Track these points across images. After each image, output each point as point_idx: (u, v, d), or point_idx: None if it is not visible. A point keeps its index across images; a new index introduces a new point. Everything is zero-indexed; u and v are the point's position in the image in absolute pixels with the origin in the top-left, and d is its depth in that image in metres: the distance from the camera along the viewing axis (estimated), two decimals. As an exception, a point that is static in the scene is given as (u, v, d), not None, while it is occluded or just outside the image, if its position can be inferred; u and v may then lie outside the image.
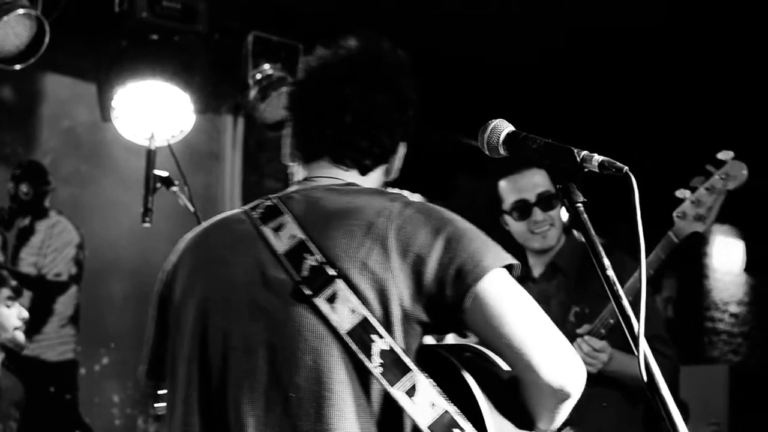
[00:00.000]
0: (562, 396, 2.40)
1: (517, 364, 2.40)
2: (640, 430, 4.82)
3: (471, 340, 2.58)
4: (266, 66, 7.13)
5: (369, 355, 2.34)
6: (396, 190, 2.87)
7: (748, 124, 9.26)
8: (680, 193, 4.18)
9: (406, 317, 2.39)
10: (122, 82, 6.19)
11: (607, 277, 2.06)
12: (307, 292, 2.40)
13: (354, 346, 2.35)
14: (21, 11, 5.76)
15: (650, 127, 9.33)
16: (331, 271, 2.40)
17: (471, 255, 2.39)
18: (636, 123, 9.21)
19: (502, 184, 4.84)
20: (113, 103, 6.21)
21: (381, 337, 2.35)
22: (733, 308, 14.20)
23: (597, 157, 2.12)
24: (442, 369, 2.44)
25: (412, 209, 2.49)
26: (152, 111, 6.04)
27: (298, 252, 2.46)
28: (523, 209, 4.71)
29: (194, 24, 6.45)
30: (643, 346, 1.96)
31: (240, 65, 7.18)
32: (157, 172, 5.21)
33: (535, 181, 4.70)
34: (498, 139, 2.35)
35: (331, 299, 2.38)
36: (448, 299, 2.37)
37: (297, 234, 2.49)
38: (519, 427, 2.48)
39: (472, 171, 9.28)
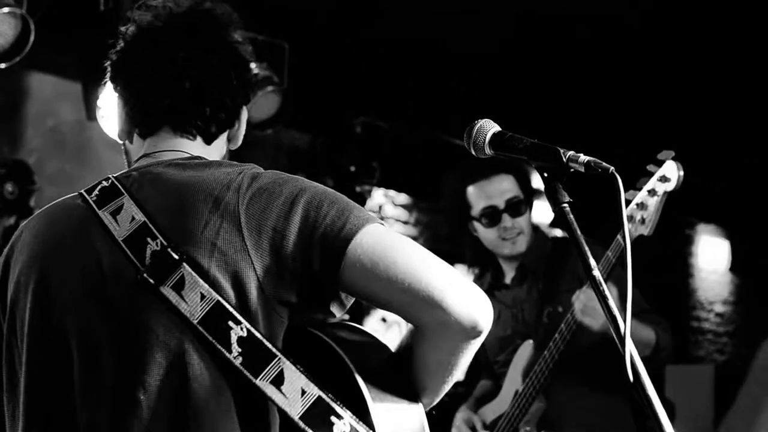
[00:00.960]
0: (473, 331, 2.20)
1: (416, 308, 2.19)
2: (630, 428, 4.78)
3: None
4: (252, 65, 7.11)
5: (227, 345, 2.14)
6: (249, 164, 2.44)
7: (730, 121, 9.28)
8: (630, 194, 4.13)
9: (267, 300, 2.20)
10: (107, 81, 6.18)
11: (593, 278, 2.05)
12: (152, 281, 2.19)
13: (209, 336, 2.15)
14: (6, 10, 5.75)
15: (616, 118, 9.35)
16: (175, 255, 2.19)
17: (336, 218, 2.20)
18: (608, 112, 9.24)
19: (470, 189, 4.77)
20: (98, 102, 6.19)
21: (238, 323, 2.15)
22: (719, 308, 14.27)
23: (583, 157, 2.11)
24: (317, 351, 2.28)
25: (263, 180, 2.28)
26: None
27: (139, 236, 2.25)
28: (492, 216, 4.67)
29: (179, 23, 6.43)
30: (630, 346, 1.95)
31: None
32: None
33: (504, 187, 4.66)
34: (484, 140, 2.33)
35: (179, 286, 2.18)
36: (317, 271, 2.19)
37: (137, 216, 2.28)
38: (409, 400, 2.32)
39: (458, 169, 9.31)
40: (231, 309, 2.16)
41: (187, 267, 2.18)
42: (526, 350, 4.57)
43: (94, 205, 2.34)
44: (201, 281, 2.17)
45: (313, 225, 2.20)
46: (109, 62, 2.59)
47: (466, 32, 7.66)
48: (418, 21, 7.41)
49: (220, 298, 2.16)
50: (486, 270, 5.01)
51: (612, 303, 2.02)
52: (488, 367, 5.01)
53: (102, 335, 2.23)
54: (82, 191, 2.41)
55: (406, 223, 10.48)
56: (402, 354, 2.37)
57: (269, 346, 2.15)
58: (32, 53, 5.99)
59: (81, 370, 2.24)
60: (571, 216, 2.13)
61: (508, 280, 4.87)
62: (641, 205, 4.08)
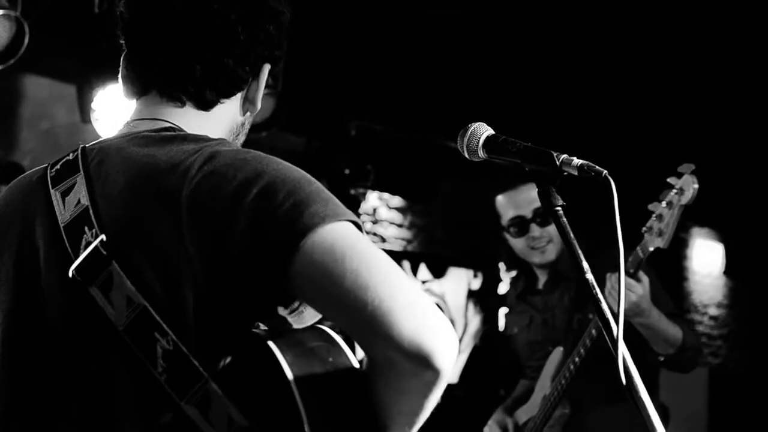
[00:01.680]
0: (425, 370, 1.76)
1: (365, 338, 1.79)
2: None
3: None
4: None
5: (153, 358, 1.84)
6: (216, 140, 2.08)
7: (725, 125, 9.28)
8: (653, 206, 4.15)
9: (204, 304, 1.86)
10: (102, 84, 6.17)
11: (586, 281, 2.05)
12: (79, 278, 1.90)
13: (135, 347, 1.85)
14: (0, 12, 5.74)
15: (615, 120, 9.36)
16: (104, 251, 1.89)
17: (288, 214, 1.84)
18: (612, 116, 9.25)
19: (499, 199, 4.83)
20: (93, 105, 6.19)
21: (164, 334, 1.83)
22: (713, 311, 14.29)
23: (576, 161, 2.12)
24: (265, 370, 1.87)
25: (217, 161, 1.93)
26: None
27: (79, 224, 1.95)
28: (520, 225, 4.71)
29: (174, 25, 6.43)
30: (622, 348, 1.96)
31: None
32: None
33: (532, 197, 4.66)
34: (477, 143, 2.34)
35: (106, 287, 1.87)
36: (263, 275, 1.85)
37: (82, 200, 1.98)
38: None
39: (453, 172, 9.31)
40: (157, 317, 1.85)
41: (115, 265, 1.88)
42: (555, 356, 4.60)
43: (49, 182, 2.08)
44: (128, 283, 1.87)
45: (263, 220, 1.84)
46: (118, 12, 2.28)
47: (462, 35, 7.66)
48: (414, 24, 7.41)
49: (146, 304, 1.85)
50: (521, 275, 5.03)
51: (605, 307, 2.02)
52: (522, 372, 5.06)
53: (27, 331, 1.98)
54: (51, 162, 2.16)
55: (400, 226, 10.49)
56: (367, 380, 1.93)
57: (196, 364, 1.84)
58: (27, 55, 5.98)
59: (11, 370, 2.01)
60: (564, 219, 2.13)
61: (540, 285, 4.90)
62: (659, 217, 4.09)
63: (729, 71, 8.24)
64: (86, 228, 1.94)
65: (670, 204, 4.10)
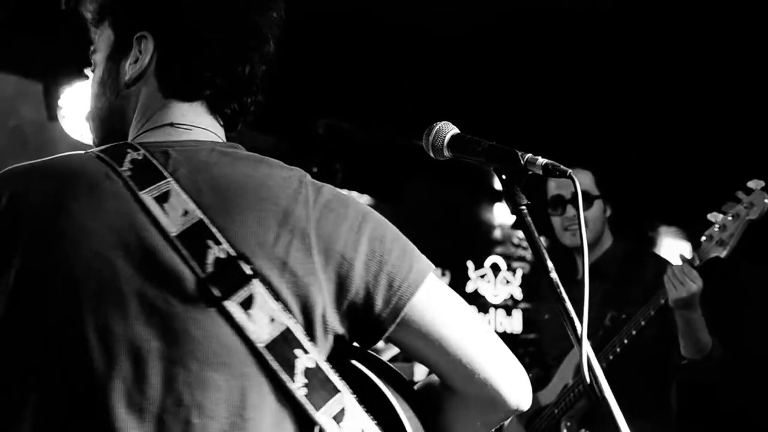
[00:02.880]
0: (515, 412, 2.19)
1: (467, 379, 2.10)
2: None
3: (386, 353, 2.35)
4: None
5: (291, 374, 1.94)
6: (294, 167, 2.24)
7: (694, 125, 9.34)
8: (712, 216, 4.24)
9: (327, 330, 2.02)
10: (69, 81, 6.15)
11: (550, 280, 2.06)
12: (217, 293, 1.92)
13: (274, 363, 1.93)
14: (-34, 9, 5.72)
15: (594, 122, 9.39)
16: (247, 269, 1.94)
17: (400, 260, 2.08)
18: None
19: (550, 180, 4.94)
20: (60, 102, 6.17)
21: (306, 352, 1.95)
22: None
23: (541, 160, 2.13)
24: (363, 388, 2.10)
25: (325, 194, 2.10)
26: (99, 110, 5.99)
27: (196, 236, 1.94)
28: (556, 204, 4.83)
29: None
30: (586, 347, 1.96)
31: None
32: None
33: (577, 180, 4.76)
34: (443, 142, 2.34)
35: (247, 304, 1.92)
36: (377, 313, 2.04)
37: (191, 210, 1.97)
38: None
39: (421, 172, 9.32)
40: (301, 336, 1.96)
41: (258, 284, 1.94)
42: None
43: (130, 182, 1.99)
44: (272, 302, 1.94)
45: (379, 261, 2.06)
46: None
47: (430, 33, 7.67)
48: (381, 23, 7.41)
49: (290, 324, 1.95)
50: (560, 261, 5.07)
51: (569, 305, 2.03)
52: (540, 358, 5.09)
53: (151, 346, 1.90)
54: (105, 156, 2.05)
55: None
56: (427, 398, 2.26)
57: (334, 379, 1.99)
58: (-7, 53, 5.97)
59: (124, 377, 1.90)
60: (529, 218, 2.14)
61: (579, 276, 4.92)
62: (723, 228, 4.18)
63: (704, 77, 8.30)
64: (209, 242, 1.95)
65: (736, 216, 4.19)
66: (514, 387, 2.15)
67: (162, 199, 1.96)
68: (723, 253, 4.21)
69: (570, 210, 4.78)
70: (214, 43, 2.22)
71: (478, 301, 11.70)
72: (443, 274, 11.28)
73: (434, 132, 2.36)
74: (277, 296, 1.95)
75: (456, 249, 11.55)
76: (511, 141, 2.34)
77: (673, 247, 13.61)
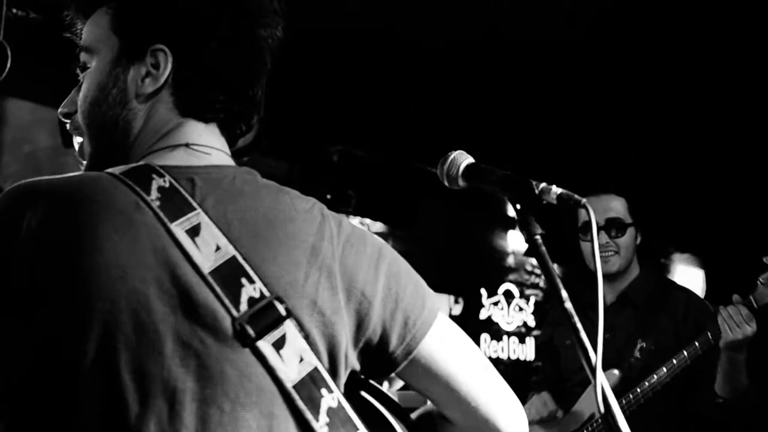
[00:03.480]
0: None
1: (470, 415, 2.17)
2: None
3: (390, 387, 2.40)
4: None
5: (316, 414, 1.92)
6: (308, 197, 2.22)
7: (706, 153, 9.33)
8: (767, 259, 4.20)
9: (346, 365, 2.02)
10: (84, 108, 6.18)
11: (565, 310, 2.05)
12: (251, 333, 1.87)
13: (301, 403, 1.91)
14: (-18, 36, 5.74)
15: (593, 148, 9.39)
16: (282, 310, 1.91)
17: (413, 297, 2.10)
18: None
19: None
20: (75, 129, 6.20)
21: (330, 391, 1.94)
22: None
23: (555, 190, 2.12)
24: (374, 421, 2.11)
25: (345, 228, 2.09)
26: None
27: (230, 274, 1.89)
28: (588, 230, 4.75)
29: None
30: (600, 378, 1.96)
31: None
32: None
33: (609, 206, 4.76)
34: (458, 171, 2.34)
35: (279, 344, 1.90)
36: (390, 350, 2.06)
37: (223, 245, 1.91)
38: None
39: (434, 198, 9.33)
40: (327, 376, 1.95)
41: (291, 324, 1.92)
42: (611, 379, 4.57)
43: (162, 214, 1.89)
44: (303, 342, 1.93)
45: (395, 299, 2.07)
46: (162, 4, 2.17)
47: (443, 61, 7.68)
48: (396, 51, 7.43)
49: (318, 364, 1.94)
50: (587, 288, 5.03)
51: (583, 336, 2.02)
52: (557, 381, 5.06)
53: (186, 386, 1.84)
54: (129, 181, 1.93)
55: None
56: (426, 428, 2.30)
57: (355, 418, 1.98)
58: (9, 79, 5.97)
59: (160, 419, 1.83)
60: (544, 248, 2.13)
61: (607, 302, 4.90)
62: None
63: (707, 104, 8.29)
64: (244, 280, 1.90)
65: None
66: (513, 423, 2.20)
67: (193, 232, 1.89)
68: None
69: (603, 236, 4.73)
70: (233, 65, 2.17)
71: (491, 328, 11.69)
72: (456, 302, 11.26)
73: (449, 161, 2.36)
74: (306, 336, 1.94)
75: (469, 276, 11.54)
76: (526, 167, 2.35)
77: (686, 275, 13.58)
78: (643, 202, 4.67)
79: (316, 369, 1.93)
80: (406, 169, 9.31)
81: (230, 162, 2.18)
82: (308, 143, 8.84)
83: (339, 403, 1.95)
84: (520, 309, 12.04)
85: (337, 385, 1.98)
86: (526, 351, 12.00)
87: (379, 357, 2.07)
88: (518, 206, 2.18)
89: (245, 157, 7.40)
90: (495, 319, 11.72)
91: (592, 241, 2.08)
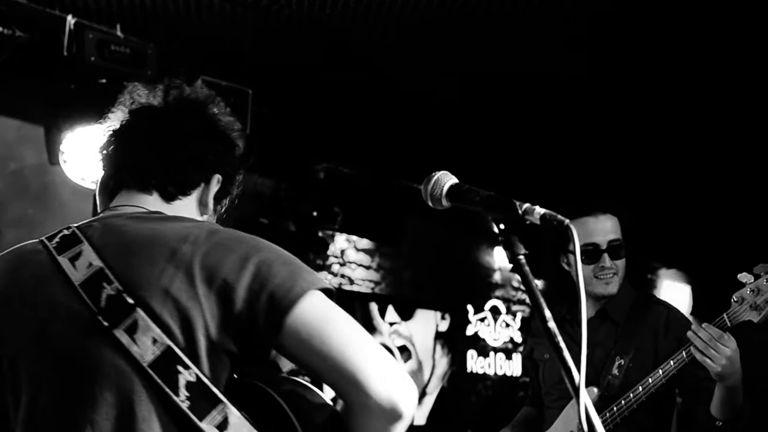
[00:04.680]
0: (393, 416, 2.25)
1: (343, 386, 2.25)
2: None
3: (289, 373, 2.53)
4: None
5: (175, 388, 2.20)
6: (205, 218, 2.74)
7: (691, 170, 9.36)
8: (743, 277, 4.11)
9: (214, 347, 2.25)
10: (70, 126, 6.17)
11: (548, 329, 2.06)
12: (105, 323, 2.24)
13: (158, 379, 2.20)
14: (-32, 54, 5.75)
15: (578, 167, 9.41)
16: (130, 300, 2.25)
17: (283, 281, 2.26)
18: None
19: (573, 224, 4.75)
20: (62, 147, 6.19)
21: (187, 368, 2.21)
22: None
23: (539, 210, 2.14)
24: (259, 401, 2.34)
25: (219, 236, 2.37)
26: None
27: (95, 281, 2.31)
28: (592, 254, 4.65)
29: (143, 68, 6.44)
30: (584, 397, 1.97)
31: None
32: (104, 216, 5.20)
33: (608, 228, 4.66)
34: (441, 192, 2.36)
35: (131, 330, 2.23)
36: (260, 328, 2.24)
37: (94, 262, 2.34)
38: None
39: (421, 215, 9.34)
40: (181, 354, 2.21)
41: (140, 311, 2.24)
42: (589, 396, 4.53)
43: (53, 251, 2.41)
44: (153, 326, 2.22)
45: (262, 283, 2.26)
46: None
47: (429, 80, 7.70)
48: (381, 69, 7.45)
49: (170, 343, 2.21)
50: (563, 303, 4.99)
51: (566, 354, 2.03)
52: (537, 396, 5.04)
53: (47, 376, 2.28)
54: (43, 238, 2.50)
55: (368, 267, 10.50)
56: (343, 416, 2.41)
57: (215, 391, 2.22)
58: (-5, 97, 5.99)
59: (29, 409, 2.29)
60: (527, 268, 2.15)
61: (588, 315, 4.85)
62: (756, 291, 4.05)
63: (693, 121, 8.32)
64: (104, 284, 2.29)
65: None
66: (382, 387, 2.21)
67: (75, 258, 2.37)
68: (757, 318, 4.06)
69: (605, 260, 4.66)
70: (111, 147, 2.70)
71: (478, 344, 11.69)
72: (443, 318, 11.27)
73: (432, 182, 2.38)
74: (159, 321, 2.23)
75: (456, 292, 11.54)
76: (511, 184, 2.36)
77: (673, 290, 13.62)
78: (630, 218, 4.65)
79: (169, 348, 2.21)
80: (393, 187, 9.32)
81: (134, 210, 2.59)
82: (295, 161, 8.85)
83: (198, 378, 2.21)
84: (507, 325, 12.05)
85: (197, 363, 2.23)
86: (513, 367, 12.00)
87: (252, 335, 2.25)
88: (501, 226, 2.20)
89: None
90: (482, 335, 11.73)
91: (575, 261, 2.08)
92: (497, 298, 12.02)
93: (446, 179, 2.37)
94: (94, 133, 6.04)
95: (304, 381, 2.50)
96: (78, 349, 2.26)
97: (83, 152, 6.11)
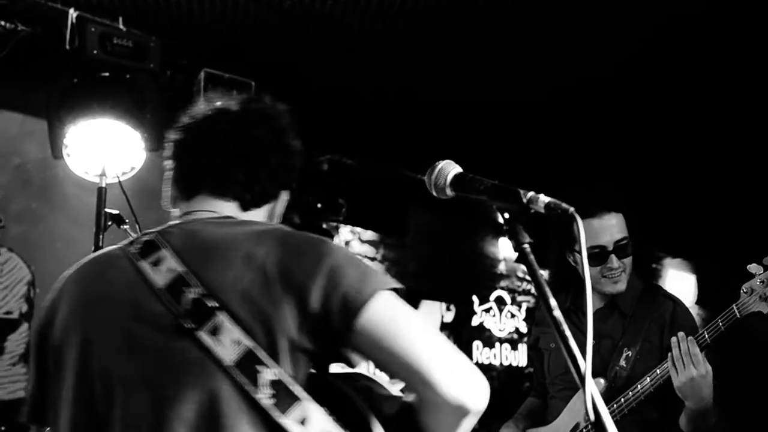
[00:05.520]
0: (462, 412, 2.34)
1: (413, 384, 2.35)
2: None
3: (362, 370, 2.61)
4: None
5: (257, 386, 2.30)
6: (276, 224, 2.85)
7: (697, 159, 9.34)
8: (753, 268, 4.11)
9: (292, 347, 2.35)
10: (73, 120, 6.15)
11: (554, 318, 2.05)
12: (189, 325, 2.37)
13: (241, 378, 2.31)
14: (-29, 48, 5.74)
15: (586, 156, 9.39)
16: (212, 303, 2.37)
17: (354, 282, 2.36)
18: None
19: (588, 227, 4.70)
20: (65, 141, 6.17)
21: (268, 367, 2.31)
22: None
23: (543, 198, 2.13)
24: (335, 398, 2.45)
25: (292, 239, 2.47)
26: (104, 148, 6.00)
27: (177, 285, 2.44)
28: (599, 256, 4.61)
29: (145, 61, 6.44)
30: (590, 386, 1.96)
31: (191, 102, 7.13)
32: (108, 210, 5.19)
33: (613, 228, 4.61)
34: (445, 181, 2.36)
35: (214, 331, 2.35)
36: (334, 327, 2.34)
37: (175, 267, 2.47)
38: None
39: (425, 206, 9.33)
40: (261, 353, 2.31)
41: (221, 314, 2.35)
42: (596, 388, 4.50)
43: (136, 257, 2.55)
44: (234, 327, 2.34)
45: (335, 285, 2.34)
46: (168, 139, 2.89)
47: (433, 71, 7.68)
48: (384, 58, 7.43)
49: (251, 344, 2.32)
50: (569, 292, 4.96)
51: (572, 343, 2.02)
52: (542, 386, 5.02)
53: (138, 376, 2.40)
54: (123, 244, 2.66)
55: (373, 259, 10.48)
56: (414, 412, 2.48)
57: (295, 388, 2.32)
58: (-2, 91, 5.98)
59: (123, 406, 2.39)
60: (532, 256, 2.14)
61: (593, 309, 4.85)
62: (766, 282, 4.04)
63: (698, 112, 8.31)
64: (185, 288, 2.41)
65: None
66: (451, 385, 2.30)
67: (156, 263, 2.50)
68: (767, 309, 4.09)
69: (613, 260, 4.62)
70: (187, 151, 2.85)
71: (483, 335, 11.67)
72: (448, 309, 11.25)
73: (436, 172, 2.38)
74: (240, 323, 2.34)
75: (461, 283, 11.52)
76: (515, 175, 2.35)
77: (678, 280, 13.60)
78: (635, 212, 4.62)
79: (250, 349, 2.31)
80: (397, 178, 9.30)
81: (209, 216, 2.71)
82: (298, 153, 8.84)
83: (278, 376, 2.31)
84: (512, 315, 12.04)
85: (277, 362, 2.32)
86: (519, 357, 11.99)
87: (327, 335, 2.35)
88: (506, 215, 2.19)
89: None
90: (487, 325, 11.71)
91: (581, 253, 2.07)
92: (502, 288, 12.01)
93: (450, 168, 2.36)
94: (97, 127, 6.08)
95: (376, 377, 2.62)
96: (164, 351, 2.39)
97: (86, 146, 6.09)
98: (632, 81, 7.84)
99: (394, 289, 2.42)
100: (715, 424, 4.37)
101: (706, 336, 4.20)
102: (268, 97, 2.97)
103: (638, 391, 4.35)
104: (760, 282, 4.06)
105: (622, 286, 4.66)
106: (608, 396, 4.44)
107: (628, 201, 4.78)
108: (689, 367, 4.11)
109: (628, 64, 7.53)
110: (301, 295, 2.34)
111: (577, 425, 4.57)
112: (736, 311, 4.11)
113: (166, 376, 2.37)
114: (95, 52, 6.24)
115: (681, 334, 4.20)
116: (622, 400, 4.38)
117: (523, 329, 12.09)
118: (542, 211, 2.13)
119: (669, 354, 4.19)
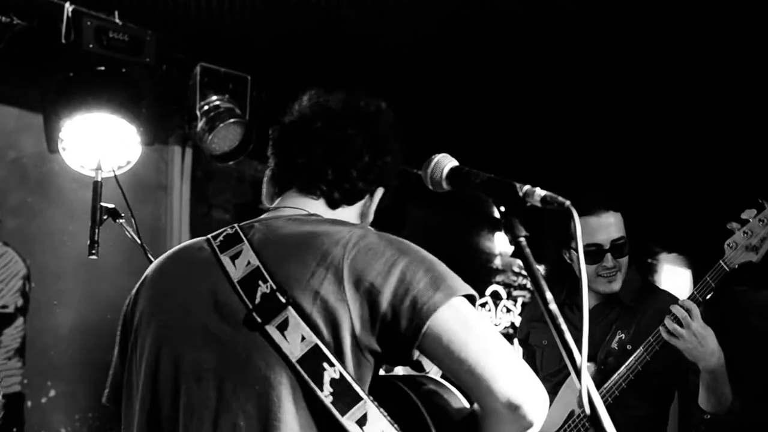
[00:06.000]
0: (523, 423, 2.36)
1: (478, 392, 2.36)
2: None
3: (431, 372, 2.63)
4: (213, 97, 7.04)
5: (320, 384, 2.33)
6: (361, 224, 2.83)
7: (693, 155, 9.34)
8: (731, 225, 4.17)
9: (359, 347, 2.38)
10: (69, 114, 6.14)
11: (549, 311, 2.06)
12: (258, 319, 2.42)
13: (305, 375, 2.35)
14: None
15: (582, 151, 9.38)
16: (282, 299, 2.41)
17: (426, 286, 2.38)
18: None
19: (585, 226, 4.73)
20: (61, 135, 6.16)
21: (332, 365, 2.34)
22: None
23: (539, 192, 2.14)
24: (397, 400, 2.48)
25: (368, 240, 2.50)
26: (99, 142, 5.99)
27: (252, 279, 2.49)
28: (595, 254, 4.64)
29: (141, 55, 6.42)
30: (586, 379, 1.96)
31: (187, 96, 7.12)
32: (103, 204, 5.18)
33: (611, 227, 4.65)
34: (441, 174, 2.36)
35: (282, 327, 2.39)
36: (403, 331, 2.36)
37: (252, 261, 2.53)
38: None
39: (422, 201, 9.32)
40: (327, 352, 2.36)
41: (291, 310, 2.41)
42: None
43: (217, 249, 2.65)
44: (303, 324, 2.39)
45: (406, 288, 2.38)
46: (270, 135, 3.02)
47: (431, 65, 7.67)
48: (382, 52, 7.42)
49: (318, 341, 2.37)
50: (563, 287, 4.97)
51: (568, 337, 2.02)
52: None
53: (208, 365, 2.48)
54: (209, 236, 2.76)
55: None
56: (477, 419, 2.52)
57: (357, 389, 2.36)
58: (-7, 85, 5.97)
59: (188, 393, 2.49)
60: (528, 250, 2.15)
61: (591, 305, 4.88)
62: (750, 233, 4.11)
63: (695, 107, 8.30)
64: (260, 282, 2.48)
65: (765, 220, 4.11)
66: (513, 396, 2.33)
67: (235, 256, 2.58)
68: (755, 258, 4.13)
69: (608, 259, 4.64)
70: (282, 148, 3.01)
71: (479, 329, 11.67)
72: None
73: (433, 165, 2.38)
74: (308, 320, 2.38)
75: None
76: (511, 169, 2.35)
77: (673, 275, 13.60)
78: (633, 205, 4.63)
79: (317, 346, 2.35)
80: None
81: (295, 213, 2.78)
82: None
83: (342, 375, 2.35)
84: (508, 310, 12.04)
85: (342, 362, 2.37)
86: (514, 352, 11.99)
87: (395, 337, 2.38)
88: (502, 209, 2.19)
89: (231, 161, 7.34)
90: (483, 320, 11.71)
91: (577, 248, 2.07)
92: (498, 283, 12.00)
93: (446, 162, 2.37)
94: (93, 121, 6.07)
95: (445, 382, 2.65)
96: (233, 342, 2.46)
97: (82, 140, 6.08)
98: (632, 81, 7.84)
99: (467, 296, 2.44)
100: (739, 409, 4.39)
101: (696, 294, 4.23)
102: (368, 96, 3.10)
103: (632, 363, 4.36)
104: (743, 234, 4.13)
105: (616, 285, 4.69)
106: (600, 378, 4.45)
107: (626, 199, 4.78)
108: (688, 323, 4.13)
109: (628, 64, 7.53)
110: (372, 296, 2.38)
111: (571, 413, 4.58)
112: (724, 265, 4.18)
113: (232, 367, 2.44)
114: (91, 46, 6.22)
115: (681, 300, 4.24)
116: (612, 382, 4.39)
117: (519, 324, 12.10)
118: (538, 204, 2.13)
119: (662, 323, 4.20)
